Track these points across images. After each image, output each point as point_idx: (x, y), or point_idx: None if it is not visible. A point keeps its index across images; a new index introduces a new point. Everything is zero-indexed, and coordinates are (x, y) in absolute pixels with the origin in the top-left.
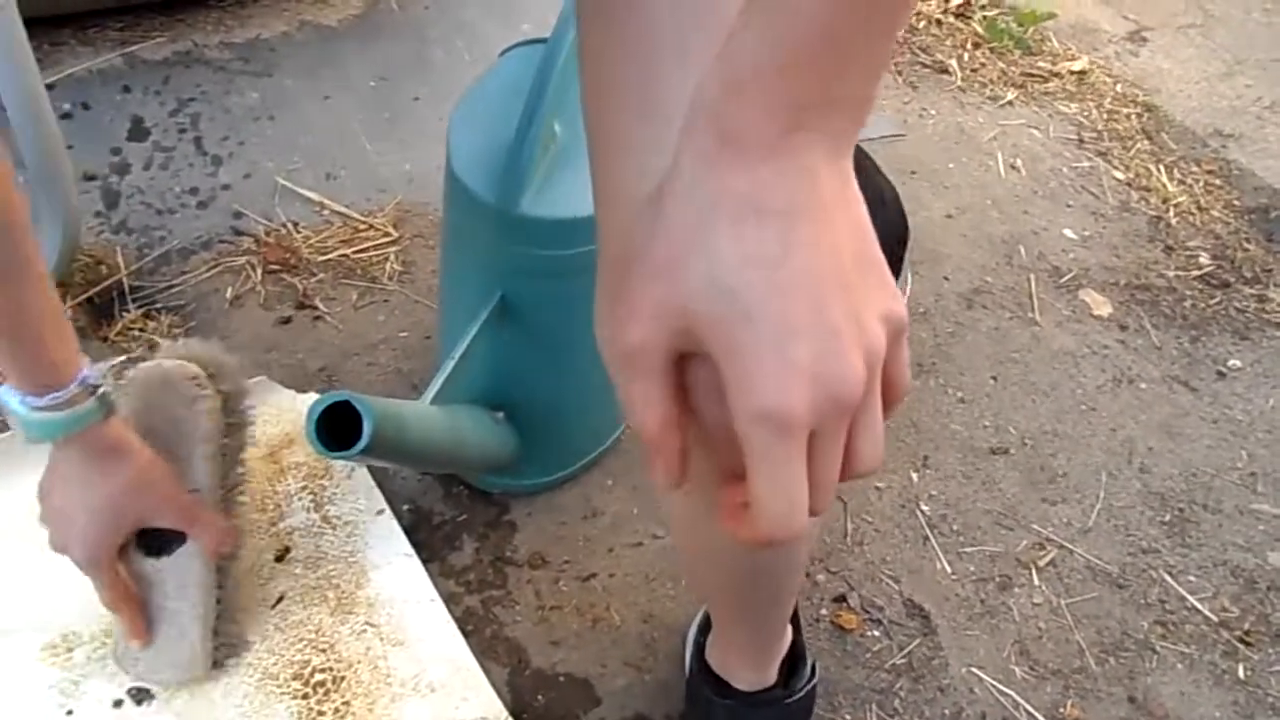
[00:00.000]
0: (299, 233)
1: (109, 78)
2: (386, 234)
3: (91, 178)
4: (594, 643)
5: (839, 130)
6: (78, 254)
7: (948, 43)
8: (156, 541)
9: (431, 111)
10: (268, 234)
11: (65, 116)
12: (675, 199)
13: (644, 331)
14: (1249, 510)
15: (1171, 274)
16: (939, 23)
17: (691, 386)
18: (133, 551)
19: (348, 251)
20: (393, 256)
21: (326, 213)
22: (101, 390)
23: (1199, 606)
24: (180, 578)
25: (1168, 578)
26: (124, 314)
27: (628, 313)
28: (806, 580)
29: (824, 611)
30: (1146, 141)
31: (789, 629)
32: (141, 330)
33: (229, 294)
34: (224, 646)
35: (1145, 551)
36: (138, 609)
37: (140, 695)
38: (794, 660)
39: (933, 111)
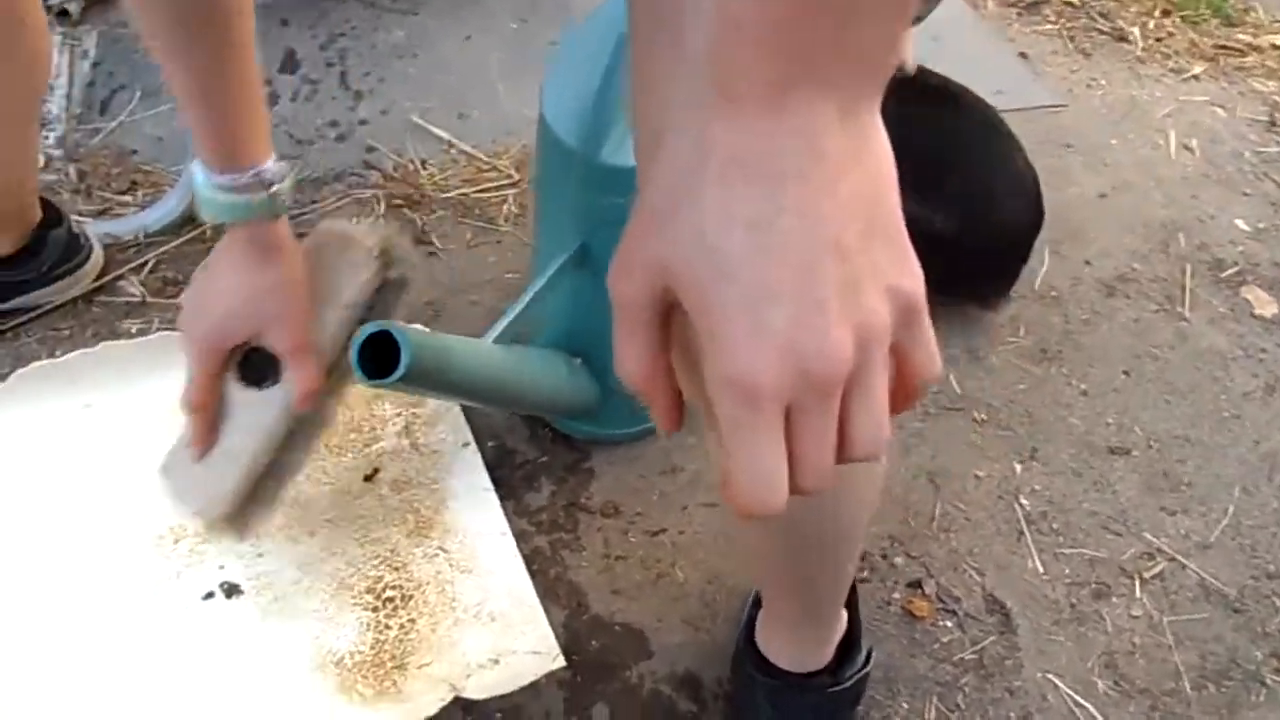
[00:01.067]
0: (425, 170)
1: (271, 11)
2: (508, 176)
3: None
4: (655, 596)
5: (848, 87)
6: None
7: (1133, 8)
8: (254, 374)
9: None
10: (395, 169)
11: None
12: (669, 151)
13: (632, 283)
14: None
15: None
16: None
17: (675, 342)
18: (231, 370)
19: (469, 190)
20: (511, 199)
21: (454, 151)
22: (276, 188)
23: None
24: (257, 417)
25: None
26: None
27: (620, 263)
28: (883, 562)
29: (896, 595)
30: None
31: (842, 613)
32: None
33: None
34: (255, 504)
35: (1272, 577)
36: (212, 421)
37: (231, 589)
38: (848, 646)
39: (1103, 82)
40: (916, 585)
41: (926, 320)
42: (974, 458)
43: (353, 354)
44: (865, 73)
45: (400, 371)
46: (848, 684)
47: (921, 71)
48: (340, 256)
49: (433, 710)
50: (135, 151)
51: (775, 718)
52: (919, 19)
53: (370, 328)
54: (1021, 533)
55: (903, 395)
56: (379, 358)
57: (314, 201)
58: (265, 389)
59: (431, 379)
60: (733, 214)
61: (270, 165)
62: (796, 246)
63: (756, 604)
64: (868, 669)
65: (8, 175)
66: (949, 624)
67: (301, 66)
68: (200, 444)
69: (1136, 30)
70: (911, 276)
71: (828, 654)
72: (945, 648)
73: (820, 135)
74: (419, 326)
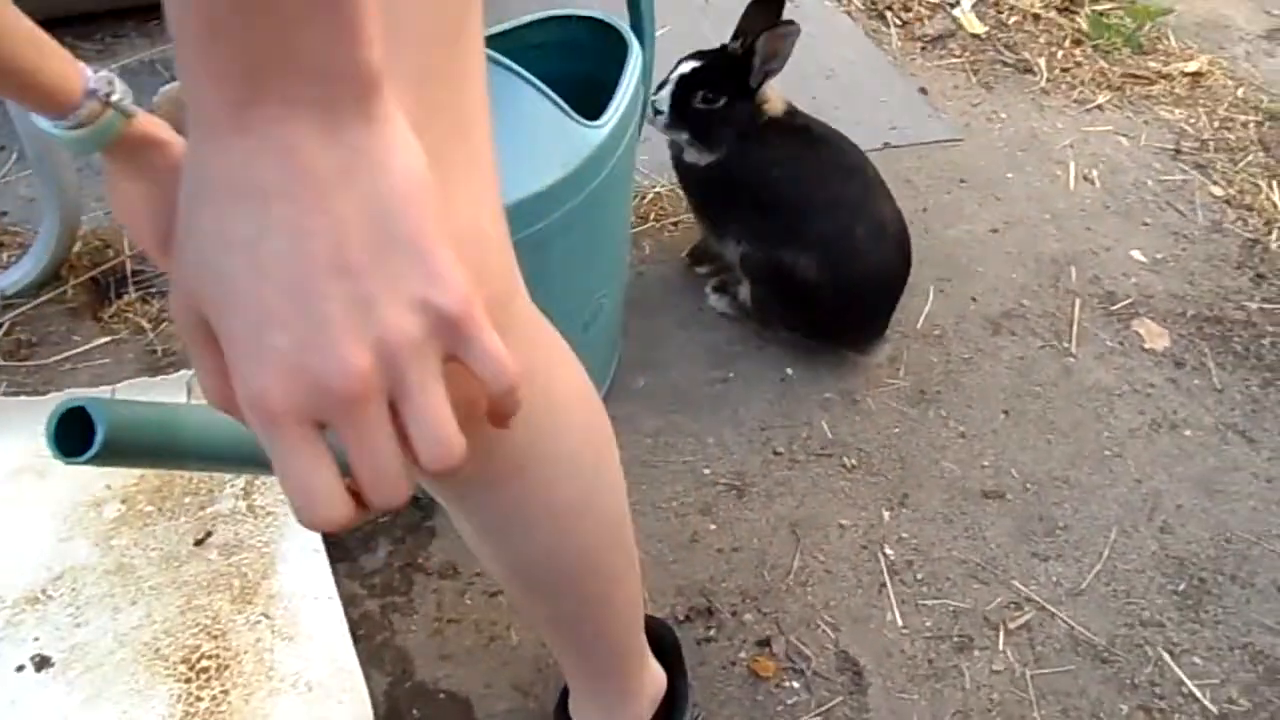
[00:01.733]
0: None
1: (161, 68)
2: None
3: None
4: (485, 661)
5: (315, 102)
6: (88, 237)
7: (1041, 39)
8: None
9: None
10: None
11: None
12: (183, 175)
13: (177, 310)
14: None
15: (1255, 306)
16: (1036, 18)
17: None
18: None
19: None
20: None
21: None
22: (114, 98)
23: (1198, 694)
24: None
25: (1166, 656)
26: (121, 296)
27: (171, 290)
28: (732, 619)
29: (743, 655)
30: (1262, 153)
31: (651, 673)
32: (134, 314)
33: None
34: None
35: (1145, 624)
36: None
37: (41, 663)
38: (670, 710)
39: (1004, 115)
40: (765, 644)
41: (481, 332)
42: (841, 505)
43: (48, 431)
44: (328, 87)
45: (95, 449)
46: None
47: (790, 113)
48: None
49: None
50: (5, 213)
51: None
52: (770, 73)
53: (65, 405)
54: (883, 584)
55: (494, 413)
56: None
57: None
58: None
59: (147, 451)
60: (225, 237)
61: (92, 83)
62: (289, 266)
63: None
64: None
65: None
66: (795, 684)
67: None
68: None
69: (1042, 61)
70: (447, 291)
71: (639, 718)
72: (789, 710)
73: (299, 152)
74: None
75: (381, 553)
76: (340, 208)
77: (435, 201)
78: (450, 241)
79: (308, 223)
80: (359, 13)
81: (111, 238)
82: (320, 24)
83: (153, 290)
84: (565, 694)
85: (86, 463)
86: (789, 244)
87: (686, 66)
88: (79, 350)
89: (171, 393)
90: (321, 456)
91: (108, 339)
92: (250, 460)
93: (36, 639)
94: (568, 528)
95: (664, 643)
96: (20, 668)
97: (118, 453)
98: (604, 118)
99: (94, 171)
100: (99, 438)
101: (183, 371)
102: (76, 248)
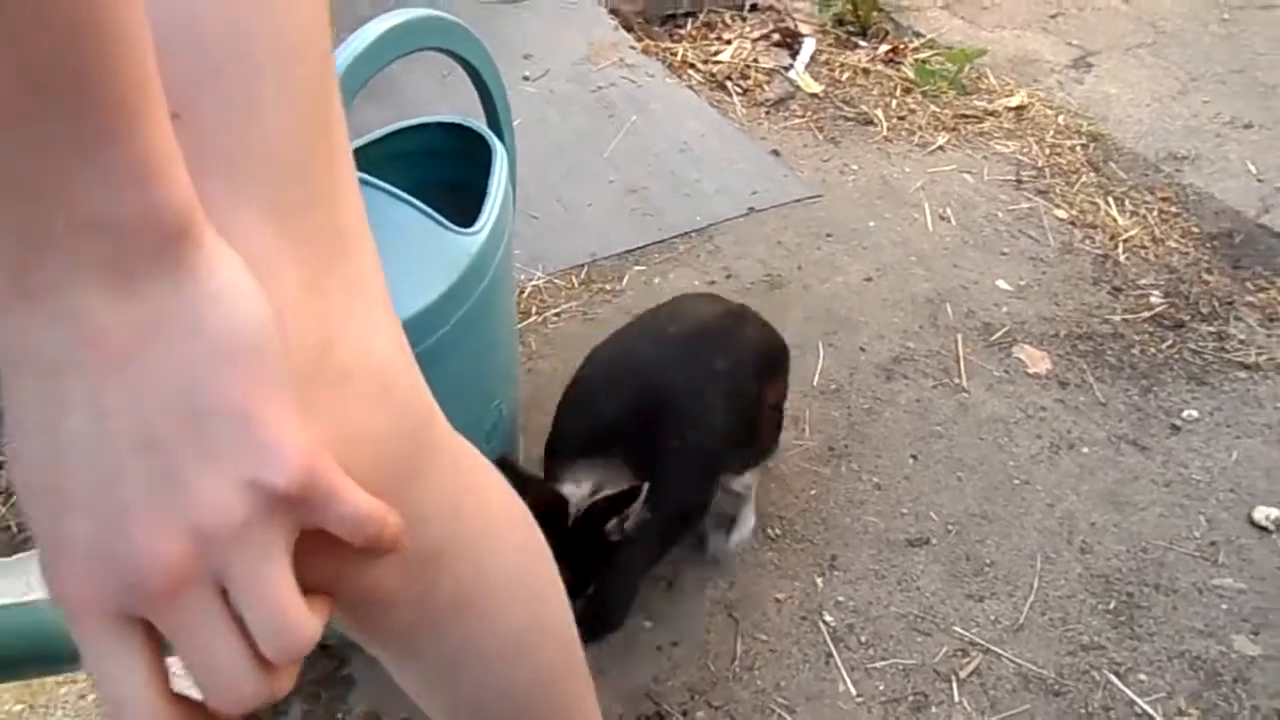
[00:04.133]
0: None
1: None
2: None
3: None
4: None
5: (112, 256)
6: None
7: (875, 91)
8: None
9: None
10: None
11: None
12: None
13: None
14: (1209, 588)
15: (1118, 318)
16: (866, 72)
17: None
18: None
19: None
20: None
21: None
22: None
23: (1150, 711)
24: None
25: (1113, 678)
26: None
27: None
28: (683, 717)
29: None
30: (1093, 174)
31: None
32: None
33: None
34: None
35: (1086, 649)
36: None
37: None
38: None
39: (855, 166)
40: None
41: (331, 498)
42: (773, 579)
43: None
44: (117, 241)
45: None
46: None
47: None
48: None
49: None
50: None
51: None
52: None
53: None
54: (830, 654)
55: (370, 557)
56: None
57: None
58: None
59: (20, 660)
60: (25, 422)
61: None
62: (89, 447)
63: None
64: None
65: None
66: None
67: None
68: None
69: (880, 112)
70: (277, 464)
71: None
72: None
73: (86, 317)
74: None
75: (295, 712)
76: (142, 376)
77: (273, 356)
78: (340, 376)
79: (106, 398)
80: (152, 144)
81: None
82: (100, 163)
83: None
84: None
85: None
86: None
87: None
88: None
89: (28, 573)
90: (133, 657)
91: None
92: (35, 663)
93: None
94: (520, 657)
95: None
96: None
97: None
98: (480, 222)
99: None
100: None
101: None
102: None
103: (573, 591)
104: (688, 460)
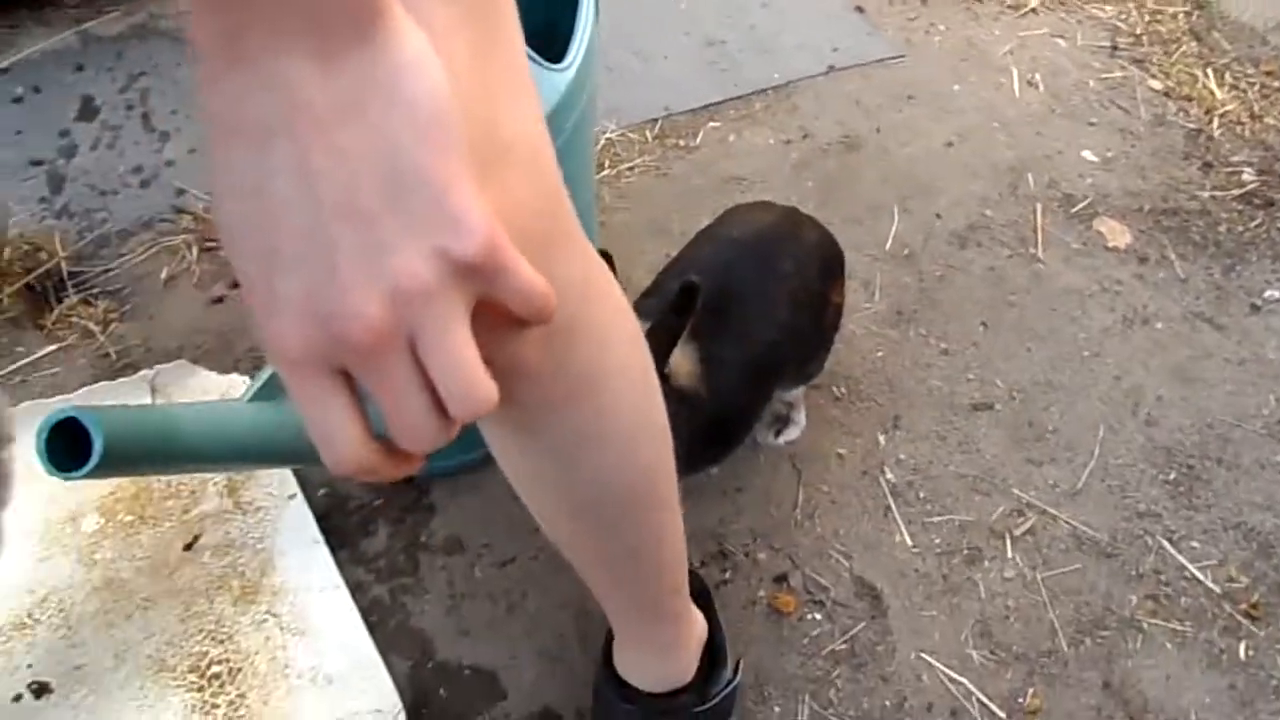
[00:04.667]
0: None
1: (63, 58)
2: None
3: (38, 163)
4: (506, 632)
5: (308, 32)
6: (17, 242)
7: None
8: None
9: None
10: (206, 210)
11: (16, 100)
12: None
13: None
14: (1271, 463)
15: (1207, 194)
16: None
17: None
18: None
19: None
20: None
21: None
22: None
23: (1200, 576)
24: None
25: (1166, 544)
26: (62, 300)
27: None
28: (745, 559)
29: (761, 594)
30: (1194, 43)
31: (694, 615)
32: (79, 318)
33: (163, 275)
34: None
35: (1142, 515)
36: None
37: (39, 689)
38: (713, 659)
39: (941, 27)
40: (782, 579)
41: (507, 271)
42: (836, 435)
43: (38, 445)
44: (320, 18)
45: (94, 460)
46: (715, 701)
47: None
48: None
49: None
50: None
51: None
52: None
53: (56, 415)
54: (888, 507)
55: (518, 329)
56: (81, 440)
57: (121, 255)
58: None
59: (150, 458)
60: (233, 183)
61: None
62: (298, 211)
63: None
64: (736, 681)
65: None
66: (817, 616)
67: (100, 113)
68: None
69: None
70: (466, 237)
71: (688, 667)
72: (815, 641)
73: (297, 86)
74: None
75: (382, 535)
76: (347, 145)
77: (458, 127)
78: (503, 147)
79: (313, 162)
80: None
81: (42, 240)
82: None
83: (95, 291)
84: (609, 654)
85: (84, 477)
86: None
87: None
88: (26, 361)
89: (135, 395)
90: (340, 402)
91: (55, 346)
92: (251, 455)
93: (30, 665)
94: (631, 448)
95: (695, 590)
96: (17, 697)
97: (116, 463)
98: (567, 59)
99: (16, 177)
100: (96, 449)
101: (143, 372)
102: (6, 254)
103: None
104: (746, 364)
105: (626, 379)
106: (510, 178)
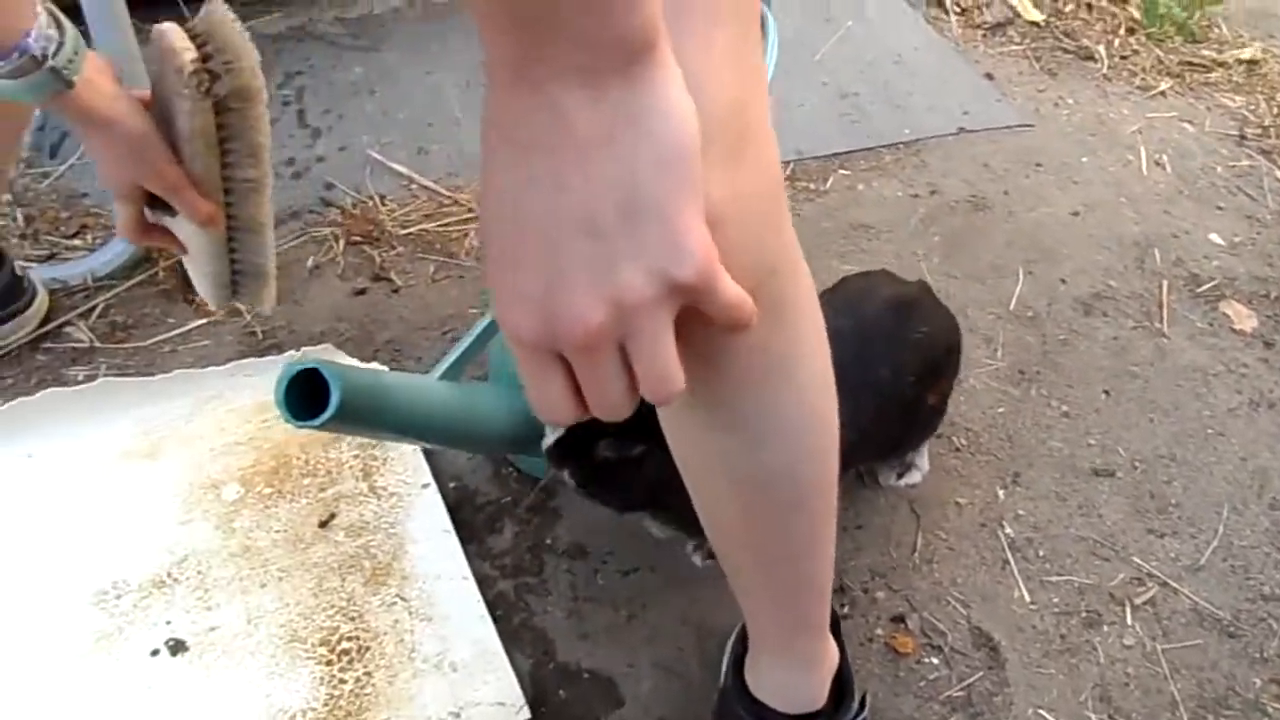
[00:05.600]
0: (384, 205)
1: None
2: (469, 210)
3: None
4: (626, 640)
5: (582, 64)
6: None
7: (1097, 27)
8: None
9: None
10: (354, 206)
11: None
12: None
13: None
14: None
15: None
16: (1090, 6)
17: None
18: (153, 208)
19: (429, 226)
20: (473, 233)
21: (414, 187)
22: (52, 63)
23: None
24: (188, 231)
25: None
26: None
27: None
28: (864, 596)
29: (879, 631)
30: None
31: (830, 641)
32: None
33: (309, 263)
34: (243, 275)
35: (1267, 599)
36: (160, 240)
37: (176, 646)
38: (841, 688)
39: (1070, 101)
40: (900, 620)
41: (714, 292)
42: (955, 484)
43: (277, 393)
44: (592, 55)
45: (330, 412)
46: None
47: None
48: (168, 81)
49: None
50: (85, 195)
51: None
52: None
53: (295, 366)
54: (1006, 561)
55: (726, 331)
56: (311, 395)
57: None
58: (178, 215)
59: (367, 418)
60: (496, 183)
61: (34, 42)
62: (543, 219)
63: (742, 641)
64: (864, 716)
65: None
66: (935, 660)
67: None
68: (180, 252)
69: (1102, 49)
70: (688, 263)
71: (821, 690)
72: (931, 685)
73: (567, 111)
74: (359, 364)
75: (508, 533)
76: (598, 168)
77: (695, 164)
78: (744, 135)
79: (566, 179)
80: None
81: None
82: (595, 4)
83: None
84: (739, 669)
85: (319, 427)
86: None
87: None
88: (177, 332)
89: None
90: (558, 378)
91: (204, 321)
92: (436, 430)
93: (168, 622)
94: (815, 434)
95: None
96: (155, 652)
97: (344, 418)
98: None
99: None
100: (334, 401)
101: (289, 352)
102: None
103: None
104: None
105: (817, 364)
106: (749, 156)
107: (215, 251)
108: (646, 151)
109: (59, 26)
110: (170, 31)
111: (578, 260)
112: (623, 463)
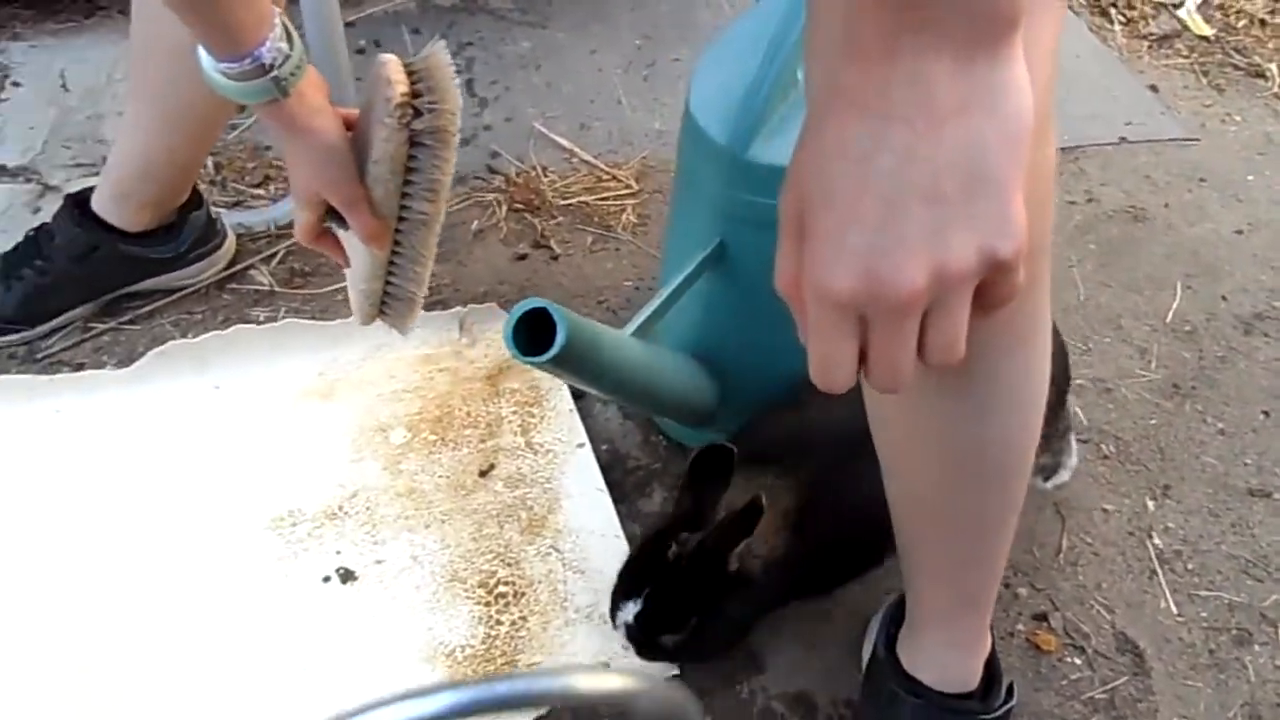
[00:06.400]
0: (546, 176)
1: (402, 19)
2: (628, 186)
3: None
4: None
5: (960, 37)
6: None
7: (1270, 45)
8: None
9: (689, 73)
10: (518, 175)
11: (359, 52)
12: (815, 88)
13: (784, 199)
14: None
15: None
16: (1263, 23)
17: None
18: (330, 217)
19: (589, 199)
20: (630, 208)
21: (575, 160)
22: (276, 73)
23: None
24: (356, 249)
25: None
26: None
27: (783, 182)
28: (1006, 591)
29: (1020, 627)
30: None
31: (988, 630)
32: None
33: (474, 226)
34: (393, 299)
35: None
36: (328, 248)
37: (346, 575)
38: (990, 676)
39: (1238, 118)
40: (1042, 618)
41: (1015, 274)
42: (1102, 491)
43: (507, 330)
44: (975, 24)
45: (555, 350)
46: (997, 714)
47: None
48: (375, 106)
49: (541, 710)
50: (269, 148)
51: None
52: None
53: (528, 304)
54: (1154, 571)
55: (984, 306)
56: (534, 334)
57: None
58: (350, 230)
59: (579, 363)
60: (843, 148)
61: (266, 51)
62: (889, 184)
63: (894, 619)
64: (1012, 704)
65: (197, 151)
66: (1077, 661)
67: None
68: (342, 263)
69: (1274, 67)
70: (1009, 239)
71: (976, 672)
72: (1073, 685)
73: (931, 83)
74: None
75: (656, 498)
76: (951, 139)
77: (1027, 144)
78: (1049, 110)
79: (919, 148)
80: None
81: None
82: None
83: None
84: (890, 639)
85: (541, 364)
86: None
87: (630, 611)
88: None
89: (446, 328)
90: (850, 339)
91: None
92: (631, 386)
93: (338, 552)
94: (1037, 410)
95: None
96: (326, 578)
97: (565, 358)
98: None
99: None
100: (559, 340)
101: (455, 309)
102: None
103: (671, 624)
104: (849, 501)
105: (1047, 334)
106: (1049, 136)
107: (374, 272)
108: (996, 127)
109: (290, 40)
110: (390, 63)
111: (914, 225)
112: (693, 636)
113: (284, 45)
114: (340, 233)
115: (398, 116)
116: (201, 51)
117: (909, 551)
